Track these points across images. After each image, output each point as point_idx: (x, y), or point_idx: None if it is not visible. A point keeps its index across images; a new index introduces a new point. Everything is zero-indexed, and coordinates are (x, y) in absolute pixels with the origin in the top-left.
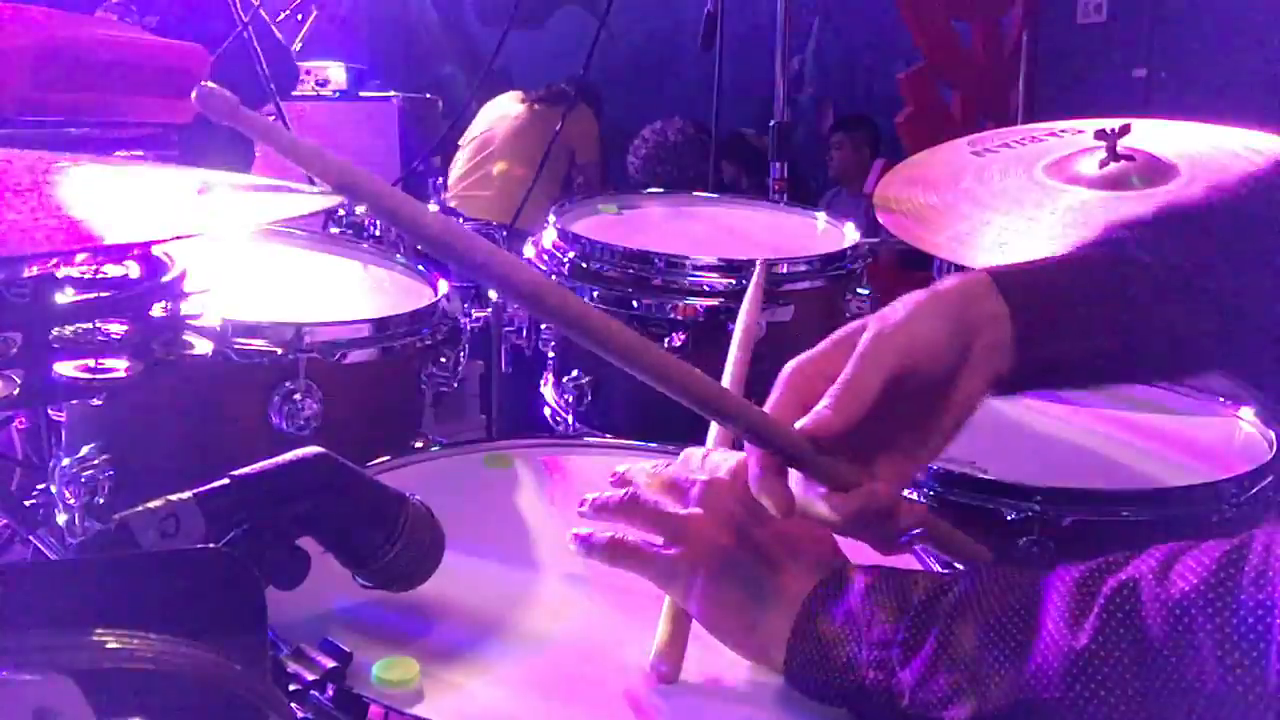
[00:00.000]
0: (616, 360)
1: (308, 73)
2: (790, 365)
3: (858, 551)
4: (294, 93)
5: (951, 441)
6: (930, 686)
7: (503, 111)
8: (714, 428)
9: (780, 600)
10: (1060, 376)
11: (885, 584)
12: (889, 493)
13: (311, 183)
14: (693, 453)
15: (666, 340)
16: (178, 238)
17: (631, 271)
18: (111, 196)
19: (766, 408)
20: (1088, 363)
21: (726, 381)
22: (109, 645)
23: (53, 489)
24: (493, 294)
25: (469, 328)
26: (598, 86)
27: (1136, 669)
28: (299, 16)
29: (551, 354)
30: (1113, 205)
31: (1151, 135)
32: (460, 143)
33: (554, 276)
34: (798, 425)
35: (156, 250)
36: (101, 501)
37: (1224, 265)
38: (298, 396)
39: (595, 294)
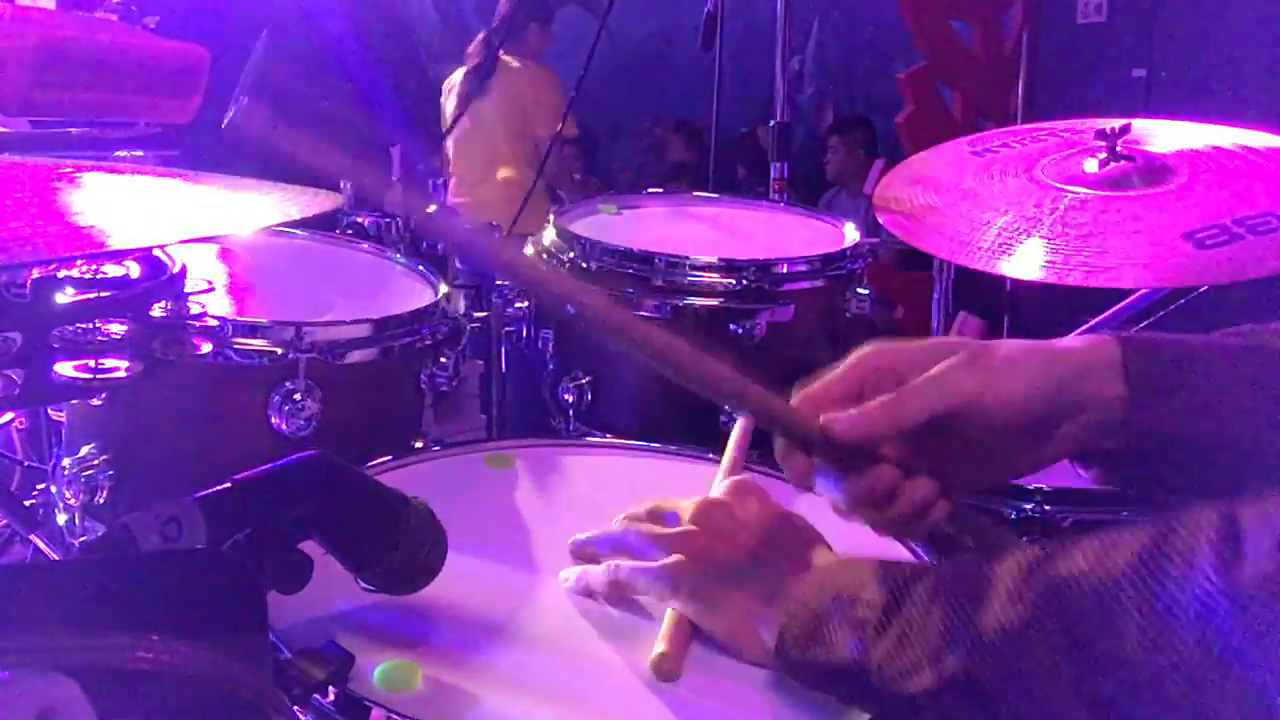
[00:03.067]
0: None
1: None
2: (871, 349)
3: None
4: None
5: (997, 487)
6: (897, 662)
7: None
8: (725, 460)
9: (780, 594)
10: (1170, 461)
11: (871, 571)
12: (889, 478)
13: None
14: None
15: None
16: (180, 241)
17: (631, 271)
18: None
19: (830, 381)
20: (1203, 448)
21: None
22: (110, 646)
23: (53, 489)
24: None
25: (469, 328)
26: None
27: (1066, 647)
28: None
29: (551, 354)
30: (1113, 205)
31: (1151, 135)
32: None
33: None
34: (822, 417)
35: (156, 250)
36: (101, 502)
37: None
38: (298, 396)
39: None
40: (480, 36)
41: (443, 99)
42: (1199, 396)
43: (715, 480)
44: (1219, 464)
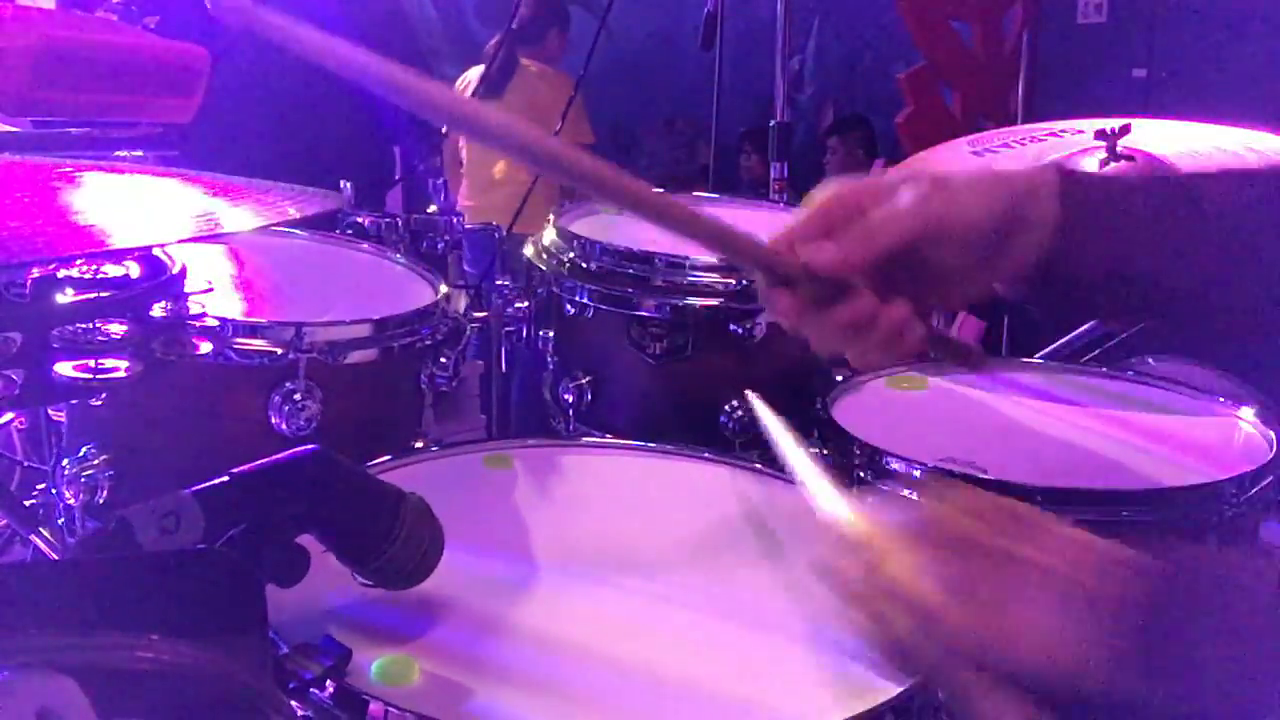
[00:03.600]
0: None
1: None
2: (829, 188)
3: None
4: None
5: (954, 309)
6: None
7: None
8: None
9: None
10: (1087, 294)
11: None
12: (870, 305)
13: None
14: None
15: (666, 340)
16: (180, 241)
17: (631, 271)
18: (113, 198)
19: (793, 221)
20: (1114, 283)
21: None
22: (110, 645)
23: (53, 489)
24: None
25: (469, 328)
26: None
27: None
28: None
29: (551, 354)
30: None
31: (1151, 135)
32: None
33: (554, 276)
34: (800, 252)
35: (156, 250)
36: (101, 501)
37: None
38: (298, 396)
39: (595, 294)
40: (496, 38)
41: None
42: (1120, 233)
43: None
44: (1137, 297)
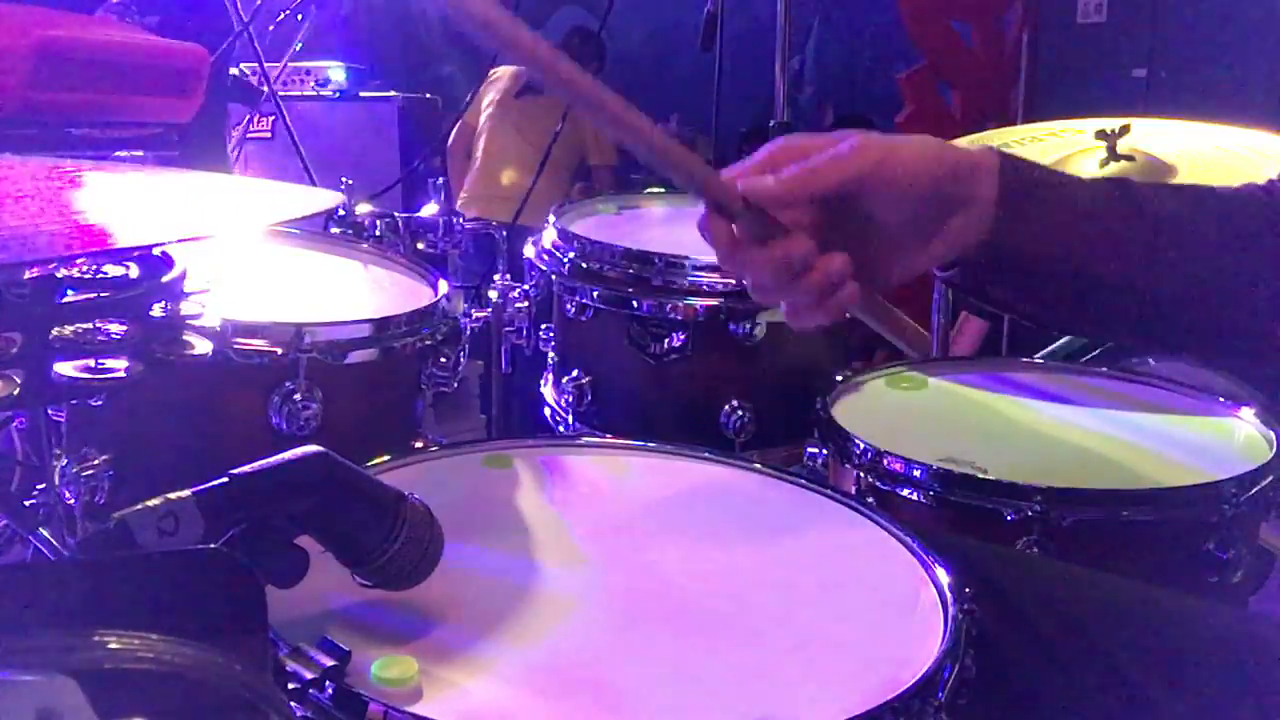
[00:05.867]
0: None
1: (308, 73)
2: (782, 138)
3: None
4: (295, 93)
5: (892, 282)
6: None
7: (493, 99)
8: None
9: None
10: (1021, 282)
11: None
12: (805, 246)
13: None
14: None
15: (666, 340)
16: (179, 241)
17: (631, 271)
18: (113, 198)
19: (746, 163)
20: (1048, 271)
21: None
22: (111, 646)
23: (53, 489)
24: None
25: (469, 328)
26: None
27: None
28: (299, 17)
29: (551, 354)
30: None
31: (1151, 135)
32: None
33: (554, 276)
34: (741, 183)
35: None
36: (101, 501)
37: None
38: (298, 396)
39: (595, 294)
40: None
41: (482, 88)
42: (1056, 219)
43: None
44: (1070, 289)
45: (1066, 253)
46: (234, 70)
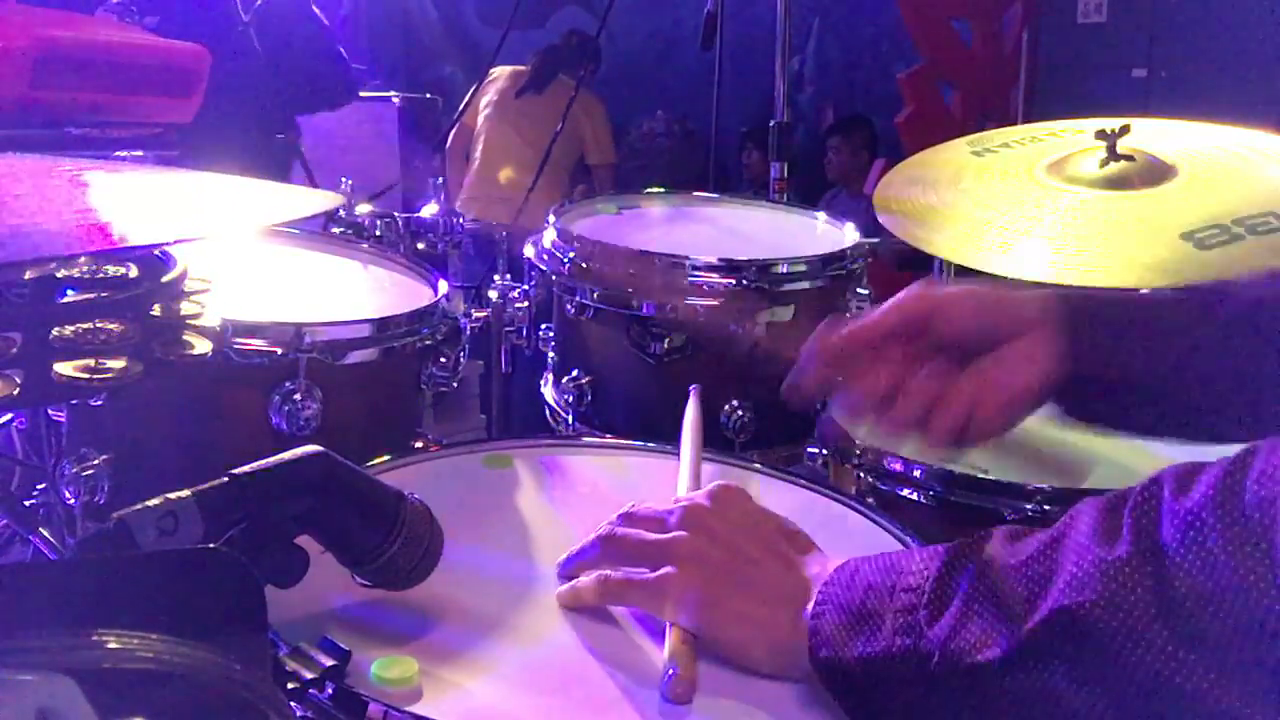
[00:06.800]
0: None
1: None
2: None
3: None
4: None
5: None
6: (962, 636)
7: (491, 100)
8: (682, 476)
9: (783, 596)
10: (1121, 399)
11: (903, 558)
12: (892, 372)
13: None
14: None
15: (666, 340)
16: (179, 241)
17: (632, 271)
18: (113, 198)
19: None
20: (1146, 385)
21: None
22: (110, 645)
23: (53, 489)
24: (494, 294)
25: (469, 328)
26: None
27: (1156, 579)
28: None
29: (551, 354)
30: (1113, 205)
31: (1151, 135)
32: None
33: (554, 276)
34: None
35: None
36: (101, 501)
37: None
38: (298, 396)
39: (595, 294)
40: (542, 49)
41: (479, 88)
42: (1136, 347)
43: (680, 478)
44: (1159, 402)
45: (1149, 372)
46: None
